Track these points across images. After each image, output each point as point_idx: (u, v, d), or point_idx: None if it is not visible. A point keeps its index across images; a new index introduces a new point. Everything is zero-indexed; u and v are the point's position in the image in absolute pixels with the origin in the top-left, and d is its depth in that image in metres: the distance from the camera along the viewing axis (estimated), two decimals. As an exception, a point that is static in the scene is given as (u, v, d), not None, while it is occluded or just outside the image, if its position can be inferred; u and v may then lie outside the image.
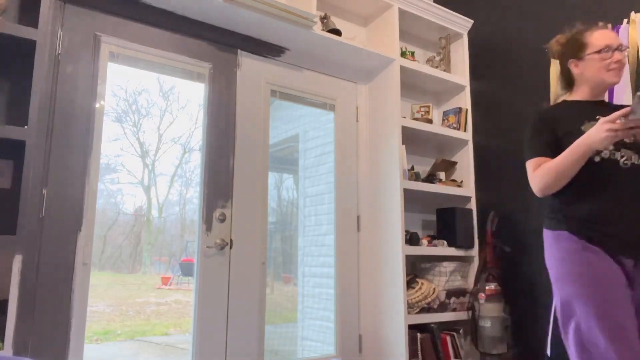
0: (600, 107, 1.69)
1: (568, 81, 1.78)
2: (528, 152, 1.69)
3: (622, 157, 1.56)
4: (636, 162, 1.57)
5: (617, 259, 1.52)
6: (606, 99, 1.83)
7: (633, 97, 1.45)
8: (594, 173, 1.57)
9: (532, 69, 2.83)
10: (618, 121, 1.42)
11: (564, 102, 1.77)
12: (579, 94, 1.74)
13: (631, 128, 1.42)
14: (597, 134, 1.46)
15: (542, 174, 1.61)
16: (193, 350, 2.23)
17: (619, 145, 1.57)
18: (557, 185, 1.59)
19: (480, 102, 3.15)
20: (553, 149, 1.64)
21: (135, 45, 2.26)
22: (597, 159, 1.58)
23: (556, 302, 1.61)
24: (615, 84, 1.66)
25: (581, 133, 1.56)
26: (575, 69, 1.72)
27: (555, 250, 1.61)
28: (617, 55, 1.61)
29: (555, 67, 2.64)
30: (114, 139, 2.29)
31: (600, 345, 1.41)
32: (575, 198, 1.60)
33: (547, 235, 1.67)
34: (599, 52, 1.63)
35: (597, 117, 1.61)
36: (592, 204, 1.56)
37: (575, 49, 1.71)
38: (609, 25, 2.09)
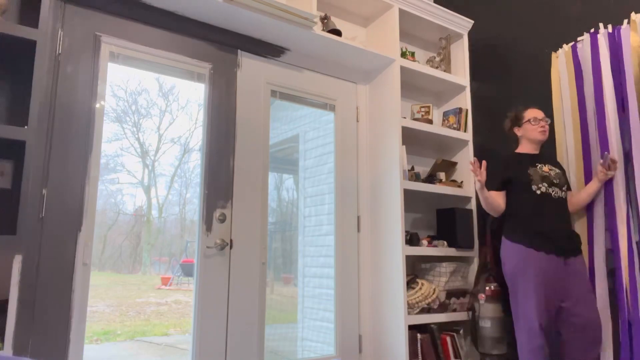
0: (538, 157, 2.45)
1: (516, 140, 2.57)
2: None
3: (553, 191, 2.33)
4: (560, 195, 2.34)
5: (551, 256, 2.22)
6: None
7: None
8: (537, 200, 2.31)
9: (533, 69, 2.83)
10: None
11: (516, 153, 2.50)
12: (522, 149, 2.51)
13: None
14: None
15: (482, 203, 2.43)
16: (193, 351, 2.23)
17: (551, 184, 2.33)
18: (486, 208, 2.41)
19: (481, 103, 3.15)
20: (504, 186, 2.42)
21: (135, 45, 2.26)
22: (538, 192, 2.31)
23: None
24: (543, 140, 2.45)
25: (527, 174, 2.34)
26: (518, 132, 2.51)
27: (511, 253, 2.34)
28: (542, 123, 2.42)
29: (556, 68, 2.64)
30: (114, 139, 2.29)
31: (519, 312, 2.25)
32: (526, 216, 2.32)
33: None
34: (531, 121, 2.45)
35: (536, 164, 2.38)
36: (535, 221, 2.29)
37: (517, 120, 2.52)
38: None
